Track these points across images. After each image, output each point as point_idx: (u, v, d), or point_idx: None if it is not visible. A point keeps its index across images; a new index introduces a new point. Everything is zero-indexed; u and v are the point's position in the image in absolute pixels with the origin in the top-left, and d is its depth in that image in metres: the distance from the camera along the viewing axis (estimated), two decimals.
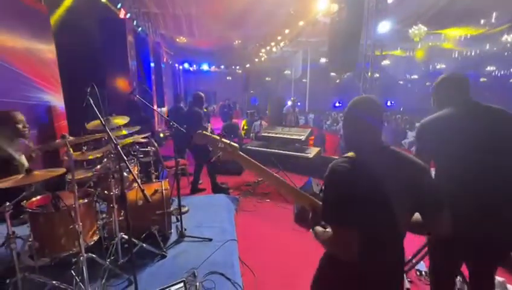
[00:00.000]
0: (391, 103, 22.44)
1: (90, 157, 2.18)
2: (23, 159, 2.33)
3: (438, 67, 15.49)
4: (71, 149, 1.73)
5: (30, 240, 1.97)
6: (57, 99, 4.14)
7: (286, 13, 7.84)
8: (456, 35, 9.53)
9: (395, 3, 5.62)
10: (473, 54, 11.71)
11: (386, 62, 13.44)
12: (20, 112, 2.40)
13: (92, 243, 2.13)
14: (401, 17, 7.14)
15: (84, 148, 2.35)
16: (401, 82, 20.32)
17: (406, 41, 9.93)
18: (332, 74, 16.16)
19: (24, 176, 1.66)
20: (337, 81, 19.56)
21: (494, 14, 7.90)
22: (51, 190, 2.17)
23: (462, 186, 1.30)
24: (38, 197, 2.06)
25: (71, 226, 1.82)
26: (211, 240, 2.63)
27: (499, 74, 15.84)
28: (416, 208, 1.03)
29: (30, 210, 1.88)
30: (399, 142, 9.39)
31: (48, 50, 4.03)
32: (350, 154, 1.04)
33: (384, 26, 5.96)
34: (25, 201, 1.91)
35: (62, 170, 1.84)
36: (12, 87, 3.25)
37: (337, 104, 21.01)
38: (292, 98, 9.09)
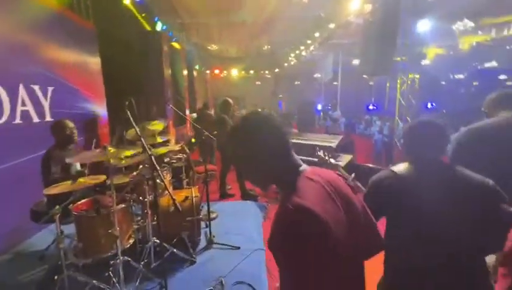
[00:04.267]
0: (431, 105, 20.74)
1: (126, 163, 2.31)
2: (78, 166, 2.57)
3: (487, 65, 13.98)
4: (110, 159, 1.86)
5: (75, 239, 2.15)
6: (100, 108, 4.53)
7: (316, 16, 7.71)
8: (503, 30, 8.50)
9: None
10: None
11: (426, 62, 12.49)
12: (69, 119, 2.66)
13: (128, 245, 2.25)
14: (443, 13, 6.58)
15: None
16: (444, 82, 18.71)
17: (449, 38, 9.14)
18: (365, 76, 15.47)
19: (70, 183, 1.82)
20: (371, 83, 18.66)
21: None
22: (98, 193, 2.36)
23: None
24: (83, 201, 2.25)
25: (110, 230, 1.94)
26: (238, 248, 2.64)
27: None
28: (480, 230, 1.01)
29: (75, 213, 2.05)
30: None
31: (94, 62, 4.43)
32: (404, 165, 1.15)
33: (424, 25, 5.56)
34: (71, 205, 2.09)
35: (103, 177, 1.98)
36: (66, 98, 3.62)
37: (370, 107, 19.97)
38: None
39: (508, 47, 10.36)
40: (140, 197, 2.39)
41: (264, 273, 2.36)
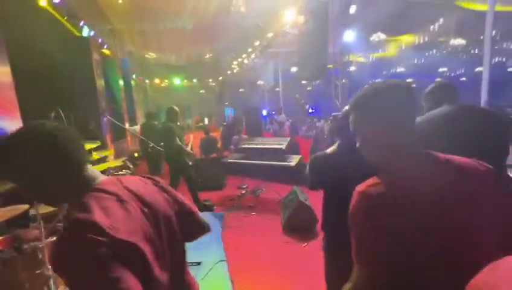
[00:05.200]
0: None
1: None
2: None
3: (398, 70, 16.70)
4: None
5: None
6: (14, 125, 3.77)
7: (255, 26, 8.02)
8: (410, 42, 10.46)
9: (357, 14, 5.99)
10: (423, 60, 12.84)
11: (352, 68, 14.21)
12: None
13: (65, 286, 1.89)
14: (363, 26, 7.62)
15: None
16: (367, 86, 21.54)
17: (369, 47, 10.62)
18: (304, 81, 16.74)
19: None
20: (309, 88, 20.27)
21: (440, 21, 8.74)
22: (19, 227, 1.93)
23: None
24: None
25: (38, 271, 1.60)
26: (199, 263, 2.48)
27: (451, 74, 17.50)
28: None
29: None
30: None
31: (2, 73, 3.68)
32: (333, 147, 1.46)
33: (349, 35, 6.30)
34: None
35: (24, 207, 1.63)
36: None
37: (310, 111, 21.70)
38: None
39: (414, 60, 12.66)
40: None
41: (229, 285, 2.26)
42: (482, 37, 4.38)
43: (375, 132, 0.79)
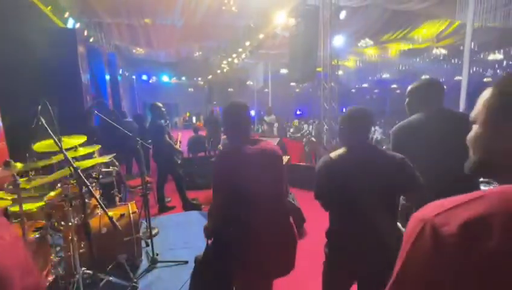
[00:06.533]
0: (346, 109, 24.29)
1: (35, 184, 1.88)
2: None
3: (384, 76, 17.24)
4: (18, 177, 1.48)
5: None
6: None
7: (246, 26, 8.04)
8: (397, 49, 10.86)
9: (346, 19, 6.14)
10: (407, 66, 13.35)
11: (340, 72, 14.51)
12: None
13: (47, 284, 1.83)
14: (352, 32, 7.82)
15: (32, 173, 2.05)
16: (354, 90, 22.13)
17: (356, 53, 10.89)
18: (292, 83, 16.92)
19: None
20: (297, 90, 20.51)
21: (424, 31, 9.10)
22: None
23: (428, 185, 1.42)
24: None
25: None
26: (187, 262, 2.46)
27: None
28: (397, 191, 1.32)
29: None
30: None
31: None
32: (342, 150, 1.38)
33: (338, 40, 6.44)
34: None
35: (5, 203, 1.56)
36: None
37: (298, 112, 21.98)
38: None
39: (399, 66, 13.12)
40: (63, 222, 1.97)
41: None
42: (462, 48, 4.61)
43: (229, 127, 1.50)
